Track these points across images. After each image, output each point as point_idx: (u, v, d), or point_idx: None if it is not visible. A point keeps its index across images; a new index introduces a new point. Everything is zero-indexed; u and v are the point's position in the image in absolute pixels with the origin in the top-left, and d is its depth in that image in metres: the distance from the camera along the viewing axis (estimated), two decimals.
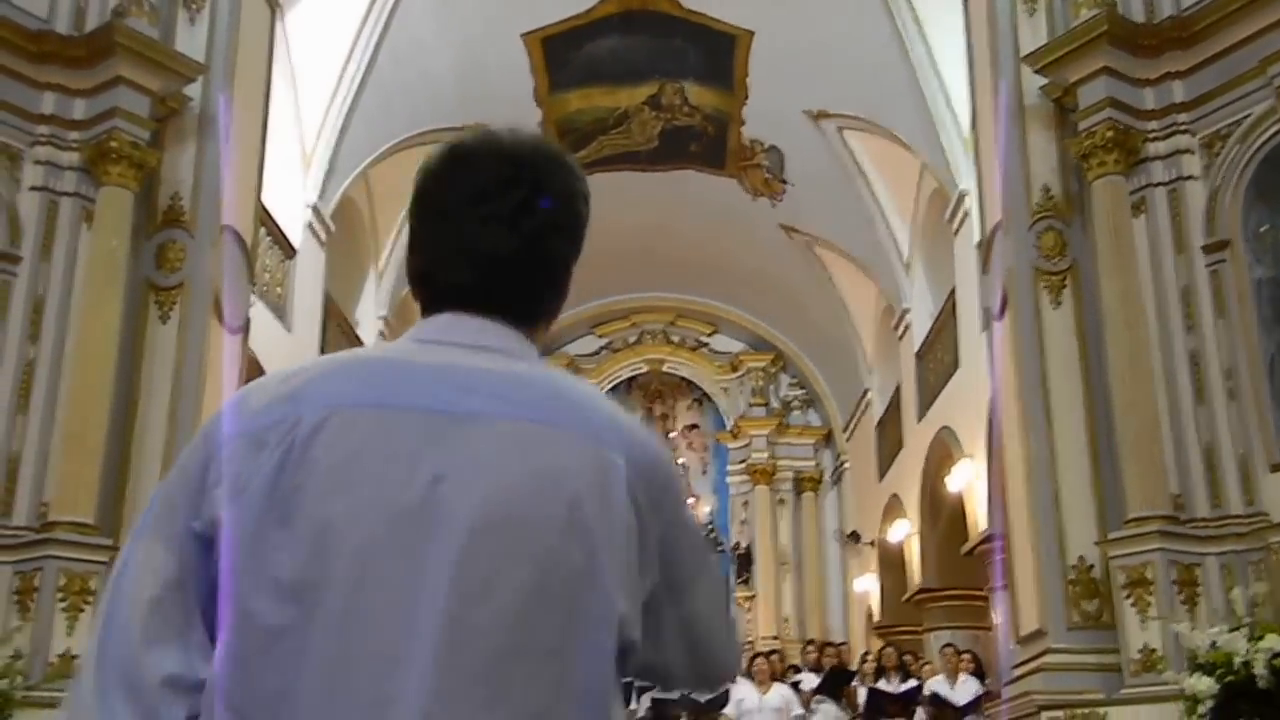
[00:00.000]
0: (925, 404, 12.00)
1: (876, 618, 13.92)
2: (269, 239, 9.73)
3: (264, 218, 8.69)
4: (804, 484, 17.03)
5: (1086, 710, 5.79)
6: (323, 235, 11.02)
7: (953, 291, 10.98)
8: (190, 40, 7.08)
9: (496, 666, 0.87)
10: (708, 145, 13.24)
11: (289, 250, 10.33)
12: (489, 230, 1.02)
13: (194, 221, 6.85)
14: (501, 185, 1.03)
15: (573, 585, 0.90)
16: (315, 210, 10.76)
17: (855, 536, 15.00)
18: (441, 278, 1.04)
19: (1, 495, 6.32)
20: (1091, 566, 6.11)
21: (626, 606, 0.93)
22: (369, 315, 12.59)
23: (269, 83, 7.84)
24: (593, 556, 0.90)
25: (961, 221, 10.48)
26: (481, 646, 0.87)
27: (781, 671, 9.85)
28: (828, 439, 17.29)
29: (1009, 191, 6.91)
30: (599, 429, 0.96)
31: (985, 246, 7.44)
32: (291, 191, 10.27)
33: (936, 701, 8.68)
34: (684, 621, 1.02)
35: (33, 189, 6.61)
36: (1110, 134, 6.48)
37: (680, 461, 17.46)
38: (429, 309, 1.04)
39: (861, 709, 9.19)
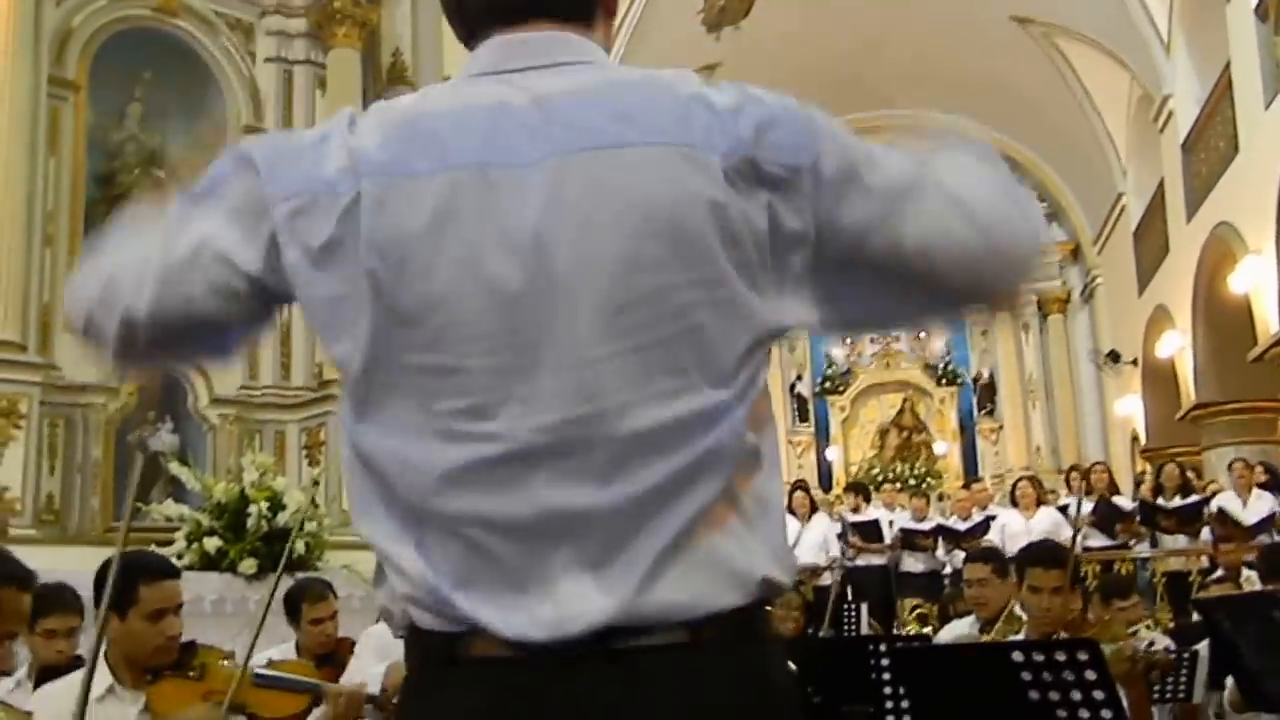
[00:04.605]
0: (1196, 201, 10.75)
1: (1143, 441, 13.02)
2: None
3: None
4: (1049, 305, 15.97)
5: None
6: None
7: (1227, 66, 9.61)
8: None
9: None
10: None
11: None
12: None
13: (417, 75, 6.95)
14: None
15: (695, 308, 0.88)
16: None
17: (1114, 356, 13.96)
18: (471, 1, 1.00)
19: (281, 360, 6.87)
20: None
21: (767, 307, 0.92)
22: None
23: None
24: (709, 275, 0.88)
25: None
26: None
27: (1043, 497, 9.38)
28: (1075, 254, 16.03)
29: None
30: (686, 127, 0.89)
31: (1274, 5, 6.37)
32: None
33: (1224, 520, 8.00)
34: (915, 239, 0.95)
35: (267, 60, 6.83)
36: None
37: None
38: (473, 38, 1.00)
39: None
